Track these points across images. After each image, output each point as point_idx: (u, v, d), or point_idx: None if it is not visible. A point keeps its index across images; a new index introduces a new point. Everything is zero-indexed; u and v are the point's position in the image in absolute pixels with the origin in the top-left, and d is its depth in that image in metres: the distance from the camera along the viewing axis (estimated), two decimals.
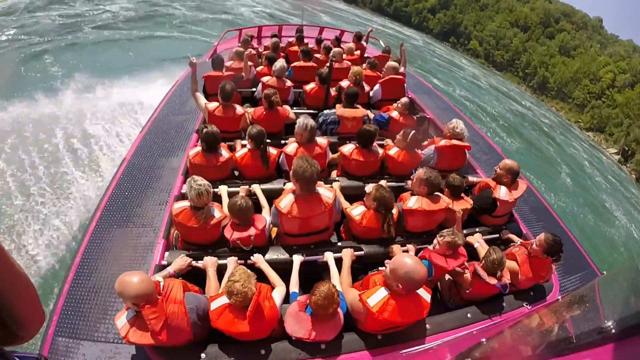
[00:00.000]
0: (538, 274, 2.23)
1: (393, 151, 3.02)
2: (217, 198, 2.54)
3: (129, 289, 1.52)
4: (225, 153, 2.75)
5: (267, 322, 1.71)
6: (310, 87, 4.03)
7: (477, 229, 2.68)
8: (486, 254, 2.17)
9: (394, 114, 3.58)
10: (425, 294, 1.82)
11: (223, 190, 2.58)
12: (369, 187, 2.61)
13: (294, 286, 2.04)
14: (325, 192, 2.27)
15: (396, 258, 1.76)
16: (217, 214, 2.21)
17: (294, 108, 3.96)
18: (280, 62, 3.95)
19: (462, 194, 2.67)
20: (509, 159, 2.84)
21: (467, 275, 2.20)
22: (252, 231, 2.17)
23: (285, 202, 2.19)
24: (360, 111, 3.55)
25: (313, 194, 2.22)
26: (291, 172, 2.19)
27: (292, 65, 4.66)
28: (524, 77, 38.59)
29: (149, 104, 7.21)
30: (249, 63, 4.41)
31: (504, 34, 40.19)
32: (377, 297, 1.73)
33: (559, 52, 37.79)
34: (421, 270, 1.68)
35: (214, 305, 1.70)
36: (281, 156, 2.95)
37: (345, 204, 2.55)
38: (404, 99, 3.61)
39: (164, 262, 2.17)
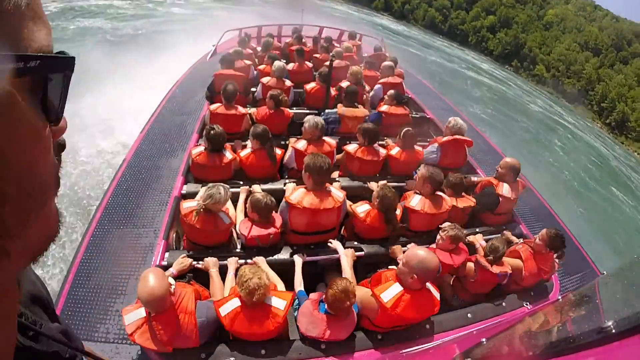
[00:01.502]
0: (542, 269, 2.25)
1: (394, 151, 3.05)
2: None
3: (144, 293, 1.51)
4: (228, 154, 2.75)
5: (282, 318, 1.72)
6: (310, 86, 4.04)
7: (477, 229, 2.69)
8: (488, 243, 2.25)
9: (383, 108, 3.63)
10: (435, 292, 1.86)
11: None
12: (373, 185, 2.63)
13: (299, 285, 2.06)
14: (337, 191, 2.30)
15: (408, 252, 1.83)
16: (227, 219, 2.20)
17: (295, 108, 3.96)
18: (279, 63, 3.96)
19: (464, 193, 2.69)
20: (509, 157, 2.85)
21: (471, 265, 2.24)
22: (271, 230, 2.19)
23: (296, 194, 2.23)
24: (361, 111, 3.56)
25: (324, 190, 2.25)
26: (304, 168, 2.23)
27: (287, 68, 4.66)
28: (599, 111, 30.41)
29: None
30: (248, 62, 4.42)
31: (574, 59, 32.92)
32: (391, 292, 1.76)
33: (637, 82, 30.06)
34: (433, 259, 1.75)
35: (224, 310, 1.68)
36: (287, 154, 2.98)
37: (348, 202, 2.56)
38: (390, 91, 3.66)
39: (164, 263, 2.17)
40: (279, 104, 3.31)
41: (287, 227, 2.33)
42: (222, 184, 2.17)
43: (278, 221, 2.24)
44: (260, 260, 2.15)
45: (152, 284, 1.53)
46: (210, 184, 2.15)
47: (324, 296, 1.78)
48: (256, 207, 2.15)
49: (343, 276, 2.10)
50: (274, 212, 2.26)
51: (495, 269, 2.16)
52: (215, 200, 2.07)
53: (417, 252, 1.77)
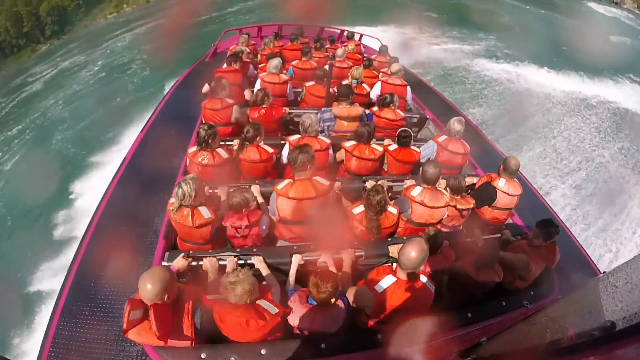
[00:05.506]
0: (548, 258, 2.29)
1: (392, 147, 3.07)
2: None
3: (141, 291, 1.51)
4: (223, 153, 2.75)
5: (264, 324, 1.69)
6: (310, 84, 4.04)
7: (477, 229, 2.69)
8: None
9: (375, 109, 3.66)
10: (429, 284, 1.88)
11: (222, 191, 2.58)
12: (370, 184, 2.64)
13: (290, 284, 2.08)
14: (322, 180, 2.32)
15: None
16: (207, 214, 2.18)
17: (294, 108, 3.97)
18: (274, 60, 3.98)
19: (464, 194, 2.70)
20: (509, 156, 2.85)
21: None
22: (245, 221, 2.25)
23: (282, 184, 2.29)
24: (355, 109, 3.55)
25: (310, 179, 2.28)
26: (288, 162, 2.30)
27: (292, 64, 4.67)
28: None
29: None
30: (247, 60, 4.44)
31: None
32: (385, 283, 1.81)
33: None
34: (413, 250, 1.76)
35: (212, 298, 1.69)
36: (283, 150, 2.99)
37: (346, 203, 2.56)
38: (385, 95, 3.66)
39: (165, 263, 2.17)
40: (263, 101, 3.34)
41: (277, 218, 2.36)
42: (192, 177, 2.17)
43: (253, 215, 2.29)
44: (258, 259, 2.15)
45: (148, 278, 1.51)
46: (179, 182, 2.15)
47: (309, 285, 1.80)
48: (230, 205, 2.27)
49: (344, 275, 2.11)
50: (255, 209, 2.35)
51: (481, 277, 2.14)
52: (183, 197, 2.09)
53: (404, 244, 1.82)
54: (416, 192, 2.50)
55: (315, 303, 1.77)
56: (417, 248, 1.76)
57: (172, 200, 2.20)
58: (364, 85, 4.20)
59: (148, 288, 1.50)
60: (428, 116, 4.36)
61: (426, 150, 3.21)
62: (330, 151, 3.05)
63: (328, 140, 2.99)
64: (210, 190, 2.52)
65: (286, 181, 2.30)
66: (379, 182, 2.73)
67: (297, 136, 2.95)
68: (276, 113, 3.43)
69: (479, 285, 2.26)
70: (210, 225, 2.20)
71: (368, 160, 2.97)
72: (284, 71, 4.54)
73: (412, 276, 1.81)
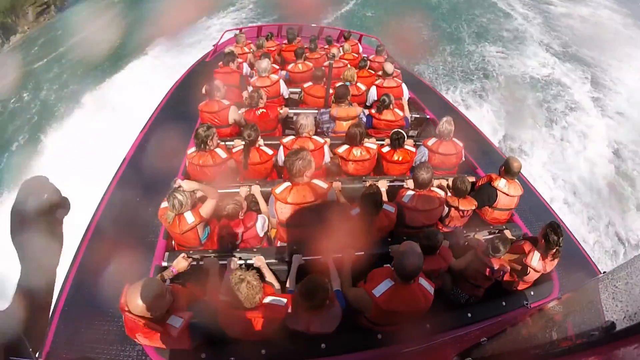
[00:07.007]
0: (546, 263, 2.27)
1: (386, 149, 3.06)
2: None
3: (132, 306, 1.49)
4: (222, 153, 2.75)
5: (268, 322, 1.71)
6: (308, 85, 4.04)
7: (477, 229, 2.69)
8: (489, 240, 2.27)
9: (374, 111, 3.64)
10: (428, 286, 1.86)
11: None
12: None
13: (291, 284, 2.08)
14: (320, 182, 2.28)
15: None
16: (190, 219, 2.16)
17: (294, 107, 3.97)
18: (263, 62, 3.96)
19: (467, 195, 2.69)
20: (511, 157, 2.85)
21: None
22: (240, 229, 2.24)
23: (281, 188, 2.23)
24: (354, 110, 3.55)
25: (308, 183, 2.23)
26: (285, 167, 2.25)
27: (288, 69, 4.66)
28: None
29: None
30: (240, 60, 4.44)
31: None
32: (383, 287, 1.79)
33: None
34: (411, 256, 1.76)
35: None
36: (279, 152, 2.99)
37: (346, 203, 2.56)
38: (382, 96, 3.63)
39: (164, 264, 2.17)
40: (257, 103, 3.35)
41: (277, 220, 2.34)
42: (179, 190, 2.13)
43: (249, 220, 2.28)
44: (259, 259, 2.15)
45: (137, 294, 1.48)
46: (172, 193, 2.13)
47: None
48: (222, 216, 2.23)
49: (341, 275, 2.11)
50: (250, 212, 2.34)
51: (494, 263, 2.17)
52: (181, 206, 2.09)
53: (399, 248, 1.81)
54: (407, 197, 2.49)
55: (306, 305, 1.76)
56: (410, 256, 1.74)
57: (163, 204, 2.15)
58: (359, 84, 4.19)
59: (138, 304, 1.48)
60: (428, 116, 4.35)
61: (418, 156, 3.20)
62: (326, 149, 3.02)
63: (322, 140, 2.97)
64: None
65: (284, 185, 2.24)
66: (378, 182, 2.72)
67: (291, 137, 2.93)
68: (272, 112, 3.44)
69: (486, 277, 2.27)
70: (195, 228, 2.19)
71: (364, 161, 2.97)
72: (282, 72, 4.54)
73: (410, 280, 1.80)
